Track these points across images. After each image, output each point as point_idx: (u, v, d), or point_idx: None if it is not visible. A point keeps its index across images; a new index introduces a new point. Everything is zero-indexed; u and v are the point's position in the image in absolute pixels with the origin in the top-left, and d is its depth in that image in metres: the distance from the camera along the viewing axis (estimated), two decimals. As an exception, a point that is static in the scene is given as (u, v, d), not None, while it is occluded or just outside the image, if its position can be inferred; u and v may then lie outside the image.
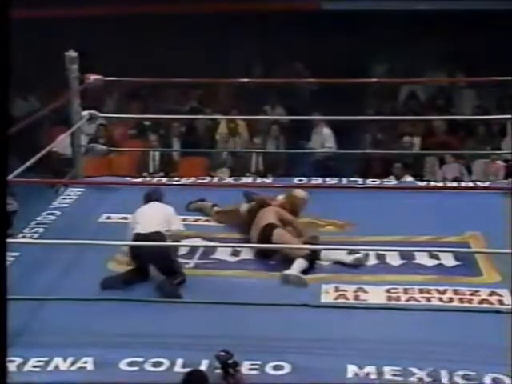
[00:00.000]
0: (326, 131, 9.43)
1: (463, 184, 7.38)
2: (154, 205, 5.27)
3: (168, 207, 5.26)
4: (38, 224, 6.00)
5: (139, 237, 5.00)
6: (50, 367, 3.99)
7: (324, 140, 9.43)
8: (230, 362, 3.68)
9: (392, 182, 7.51)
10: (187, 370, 3.77)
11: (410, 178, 7.83)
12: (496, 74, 6.80)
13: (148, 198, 5.30)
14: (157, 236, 4.98)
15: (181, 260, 5.23)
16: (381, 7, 10.42)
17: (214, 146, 9.89)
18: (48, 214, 6.21)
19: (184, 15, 10.36)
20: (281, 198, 5.70)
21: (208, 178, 7.27)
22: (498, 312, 4.49)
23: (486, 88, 10.62)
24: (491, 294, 4.75)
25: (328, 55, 10.40)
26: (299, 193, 5.64)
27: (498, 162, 8.29)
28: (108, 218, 6.01)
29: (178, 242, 5.25)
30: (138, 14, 10.47)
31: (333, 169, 8.63)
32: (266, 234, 5.26)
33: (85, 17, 10.32)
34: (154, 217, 5.10)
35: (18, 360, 4.01)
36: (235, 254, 5.39)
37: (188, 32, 10.68)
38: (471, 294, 4.76)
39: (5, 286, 2.24)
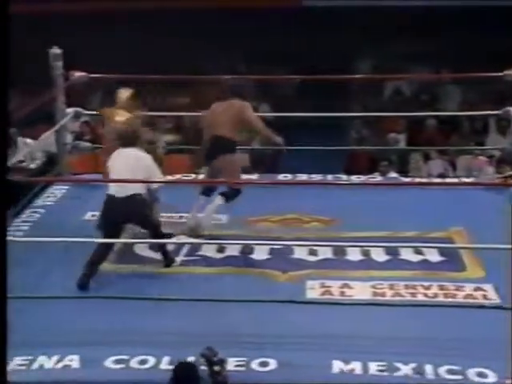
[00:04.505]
0: None
1: (448, 180, 7.43)
2: (130, 155, 5.03)
3: (145, 156, 5.04)
4: (22, 222, 5.97)
5: (114, 201, 4.87)
6: (35, 366, 3.97)
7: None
8: (215, 359, 3.69)
9: (377, 178, 7.54)
10: (173, 367, 3.77)
11: (394, 174, 7.86)
12: (481, 71, 6.84)
13: (123, 142, 5.07)
14: (134, 201, 4.85)
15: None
16: (364, 4, 10.44)
17: (200, 143, 9.87)
18: (32, 211, 6.19)
19: (168, 12, 10.34)
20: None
21: (193, 176, 7.25)
22: (482, 307, 4.52)
23: (470, 84, 10.66)
24: (476, 289, 4.78)
25: (311, 52, 10.40)
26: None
27: (481, 157, 8.33)
28: (93, 215, 5.98)
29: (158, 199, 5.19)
30: (123, 10, 10.43)
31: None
32: None
33: (69, 13, 10.26)
34: (130, 173, 4.90)
35: (2, 359, 3.98)
36: (221, 250, 5.39)
37: (172, 30, 10.65)
38: (456, 290, 4.79)
39: (5, 286, 2.23)
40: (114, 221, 4.95)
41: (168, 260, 5.15)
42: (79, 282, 4.78)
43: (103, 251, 4.93)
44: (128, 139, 5.11)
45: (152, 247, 5.28)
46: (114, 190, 4.95)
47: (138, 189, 4.94)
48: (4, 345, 2.23)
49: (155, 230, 5.09)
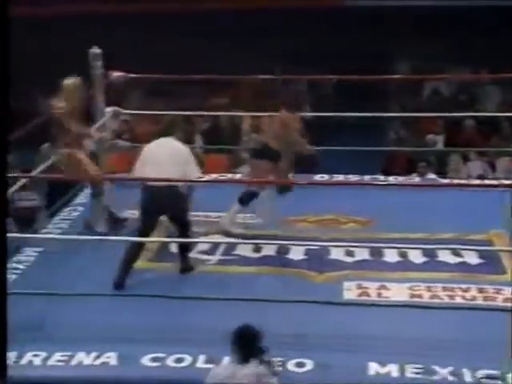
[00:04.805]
0: None
1: (487, 181, 7.34)
2: (166, 144, 4.89)
3: (182, 147, 4.89)
4: (61, 219, 6.05)
5: (151, 191, 4.76)
6: (74, 362, 4.02)
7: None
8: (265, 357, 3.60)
9: (415, 179, 7.47)
10: (210, 365, 3.79)
11: (432, 176, 7.79)
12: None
13: (161, 131, 4.99)
14: (171, 192, 4.73)
15: (203, 256, 5.26)
16: (404, 3, 10.36)
17: (237, 143, 9.89)
18: (71, 209, 6.26)
19: (208, 14, 10.38)
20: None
21: (230, 175, 7.27)
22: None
23: (510, 85, 10.52)
24: (515, 292, 4.71)
25: (350, 52, 10.35)
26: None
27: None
28: (132, 213, 6.04)
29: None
30: (162, 11, 10.50)
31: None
32: None
33: (105, 14, 10.37)
34: (166, 163, 4.76)
35: (43, 354, 4.04)
36: (257, 250, 5.39)
37: (210, 30, 10.69)
38: (495, 293, 4.72)
39: (5, 283, 2.26)
40: (151, 211, 4.87)
41: (185, 265, 5.00)
42: (115, 280, 4.79)
43: (135, 249, 4.90)
44: (166, 129, 5.04)
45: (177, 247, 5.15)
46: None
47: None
48: (4, 338, 2.26)
49: (185, 228, 4.98)
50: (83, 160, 5.47)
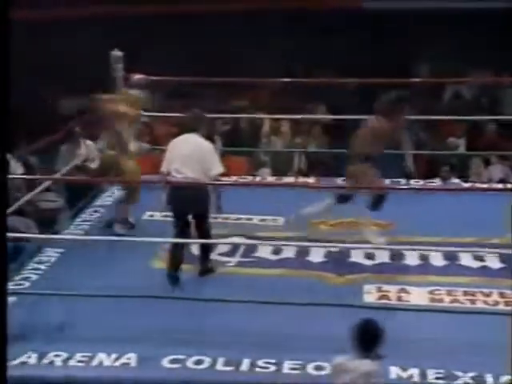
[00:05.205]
0: None
1: (509, 185, 7.28)
2: (190, 139, 4.93)
3: (205, 142, 4.92)
4: (83, 221, 6.08)
5: (176, 190, 4.80)
6: (95, 362, 4.03)
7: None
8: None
9: (437, 183, 7.43)
10: (229, 368, 3.77)
11: (456, 180, 7.73)
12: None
13: (185, 128, 5.00)
14: (195, 191, 4.76)
15: (222, 258, 5.26)
16: (425, 6, 10.31)
17: (257, 145, 9.89)
18: (93, 210, 6.29)
19: (222, 14, 10.39)
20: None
21: (250, 178, 7.28)
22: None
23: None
24: (537, 297, 4.67)
25: (370, 55, 10.32)
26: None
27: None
28: (151, 215, 6.06)
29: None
30: (177, 12, 10.54)
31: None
32: None
33: (123, 16, 10.41)
34: (189, 159, 4.81)
35: (64, 355, 4.06)
36: (277, 252, 5.39)
37: (228, 31, 10.70)
38: (517, 297, 4.69)
39: (5, 283, 2.27)
40: (177, 210, 4.88)
41: (205, 267, 5.00)
42: (168, 280, 4.81)
43: (174, 250, 4.90)
44: (190, 125, 5.03)
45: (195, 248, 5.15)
46: (177, 177, 4.88)
47: (199, 177, 4.82)
48: (4, 339, 2.26)
49: (206, 229, 4.96)
50: (128, 164, 5.67)
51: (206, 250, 5.04)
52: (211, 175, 4.87)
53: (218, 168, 4.89)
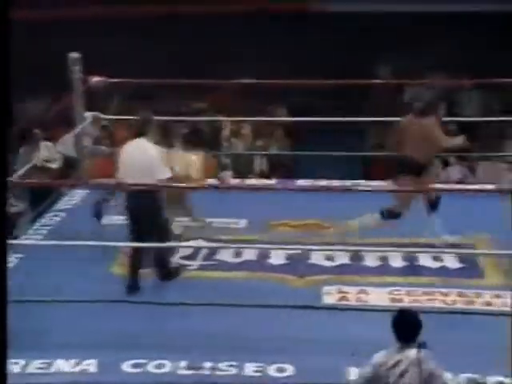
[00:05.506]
0: None
1: (467, 186, 7.38)
2: (138, 145, 4.83)
3: (151, 148, 4.80)
4: (42, 226, 6.01)
5: (128, 196, 4.80)
6: (53, 369, 3.99)
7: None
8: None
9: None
10: (191, 371, 3.77)
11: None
12: (502, 77, 6.78)
13: (135, 131, 4.90)
14: (144, 196, 4.70)
15: (183, 262, 5.25)
16: (384, 9, 10.42)
17: (218, 148, 9.88)
18: (53, 215, 6.22)
19: (185, 15, 10.38)
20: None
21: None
22: (502, 314, 4.48)
23: (490, 91, 10.59)
24: (495, 296, 4.75)
25: (329, 57, 10.39)
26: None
27: (501, 164, 8.27)
28: (111, 219, 6.01)
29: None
30: (138, 14, 10.49)
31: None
32: None
33: (83, 18, 10.33)
34: (136, 166, 4.74)
35: (21, 362, 4.01)
36: (238, 254, 5.39)
37: (190, 33, 10.68)
38: (475, 296, 4.75)
39: (5, 288, 2.24)
40: (131, 215, 4.86)
41: (166, 271, 4.92)
42: (128, 285, 4.80)
43: (132, 255, 4.89)
44: (139, 130, 4.93)
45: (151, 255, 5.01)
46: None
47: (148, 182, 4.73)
48: (4, 345, 2.24)
49: (161, 234, 4.89)
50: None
51: (162, 255, 4.97)
52: (157, 178, 4.76)
53: (162, 174, 4.79)
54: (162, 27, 10.54)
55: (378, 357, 3.33)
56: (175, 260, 5.19)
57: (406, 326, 3.33)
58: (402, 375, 3.26)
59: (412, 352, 3.27)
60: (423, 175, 5.39)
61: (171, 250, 5.13)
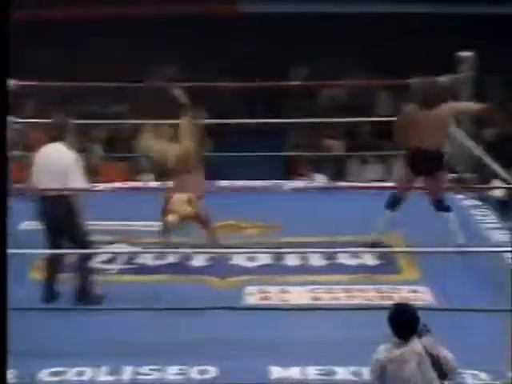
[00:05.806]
0: None
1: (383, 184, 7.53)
2: (52, 151, 4.64)
3: (66, 155, 4.58)
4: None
5: (40, 202, 4.59)
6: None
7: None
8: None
9: (315, 183, 7.60)
10: (112, 377, 3.71)
11: (324, 179, 7.92)
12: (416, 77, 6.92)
13: (51, 135, 4.72)
14: (55, 204, 4.50)
15: (103, 266, 5.17)
16: (303, 10, 10.54)
17: (136, 151, 9.77)
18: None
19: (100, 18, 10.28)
20: None
21: (131, 183, 7.19)
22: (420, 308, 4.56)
23: (402, 91, 10.84)
24: (411, 291, 4.86)
25: (247, 58, 10.45)
26: None
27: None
28: (28, 225, 5.86)
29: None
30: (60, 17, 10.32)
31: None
32: None
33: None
34: (47, 172, 4.57)
35: None
36: (159, 257, 5.35)
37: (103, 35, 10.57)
38: (392, 292, 4.85)
39: (5, 291, 2.17)
40: (43, 223, 4.74)
41: (84, 292, 4.69)
42: (45, 292, 4.68)
43: (49, 261, 4.78)
44: (54, 134, 4.75)
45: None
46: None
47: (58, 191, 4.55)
48: (4, 350, 2.18)
49: (79, 240, 4.70)
50: None
51: (84, 274, 4.75)
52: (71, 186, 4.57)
53: (78, 183, 4.58)
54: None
55: (381, 352, 3.26)
56: (94, 264, 5.09)
57: (404, 320, 3.27)
58: (418, 366, 3.16)
59: (416, 342, 3.21)
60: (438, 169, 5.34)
61: (90, 264, 4.91)
